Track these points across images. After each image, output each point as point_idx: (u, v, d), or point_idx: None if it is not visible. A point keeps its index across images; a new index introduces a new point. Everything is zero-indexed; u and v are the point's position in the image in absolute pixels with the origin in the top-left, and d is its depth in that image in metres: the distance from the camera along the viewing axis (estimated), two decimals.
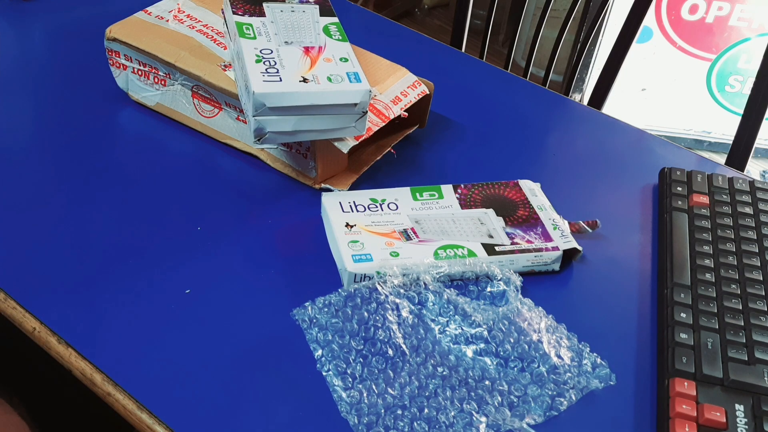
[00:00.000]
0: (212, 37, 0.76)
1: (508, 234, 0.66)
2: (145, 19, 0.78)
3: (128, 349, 0.56)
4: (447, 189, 0.71)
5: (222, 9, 0.77)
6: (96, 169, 0.72)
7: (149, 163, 0.73)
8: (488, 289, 0.63)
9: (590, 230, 0.70)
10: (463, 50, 1.19)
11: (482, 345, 0.58)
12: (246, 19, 0.71)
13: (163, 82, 0.76)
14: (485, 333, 0.59)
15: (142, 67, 0.77)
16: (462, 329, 0.59)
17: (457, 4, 1.22)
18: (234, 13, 0.71)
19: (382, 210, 0.67)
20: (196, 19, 0.79)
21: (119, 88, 0.80)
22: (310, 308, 0.59)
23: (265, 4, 0.73)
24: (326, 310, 0.59)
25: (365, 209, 0.67)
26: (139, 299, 0.59)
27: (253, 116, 0.64)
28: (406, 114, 0.75)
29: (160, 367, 0.55)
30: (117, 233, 0.65)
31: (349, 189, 0.71)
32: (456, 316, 0.60)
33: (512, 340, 0.58)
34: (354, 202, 0.68)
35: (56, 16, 0.94)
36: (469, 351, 0.58)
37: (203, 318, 0.59)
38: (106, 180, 0.71)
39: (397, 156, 0.77)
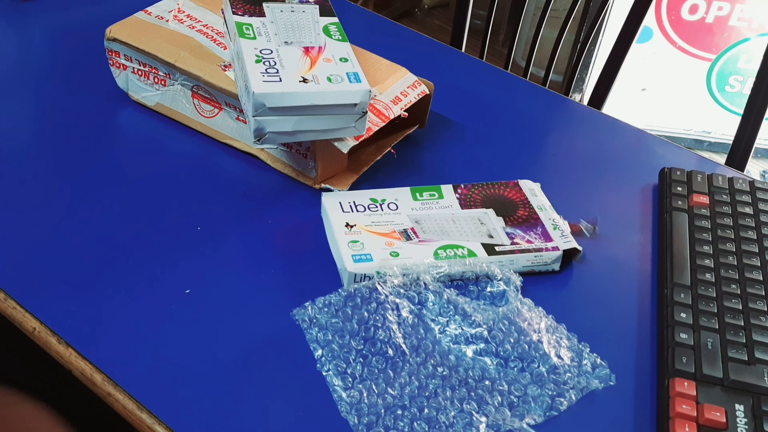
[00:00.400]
0: (212, 37, 0.76)
1: (508, 234, 0.66)
2: (145, 19, 0.78)
3: (128, 349, 0.56)
4: (447, 189, 0.71)
5: (222, 9, 0.77)
6: (96, 168, 0.72)
7: (149, 162, 0.73)
8: (488, 289, 0.63)
9: (588, 234, 0.70)
10: (463, 50, 1.19)
11: (482, 345, 0.58)
12: (246, 19, 0.71)
13: (163, 82, 0.76)
14: (485, 333, 0.59)
15: (142, 67, 0.77)
16: (462, 329, 0.59)
17: (457, 4, 1.22)
18: (234, 13, 0.71)
19: (382, 210, 0.67)
20: (196, 19, 0.79)
21: (119, 88, 0.80)
22: (310, 308, 0.59)
23: (264, 4, 0.73)
24: (326, 310, 0.59)
25: (365, 209, 0.67)
26: (139, 299, 0.59)
27: (253, 116, 0.64)
28: (406, 114, 0.75)
29: (161, 367, 0.55)
30: (117, 233, 0.65)
31: (349, 189, 0.71)
32: (456, 316, 0.60)
33: (512, 340, 0.58)
34: (354, 202, 0.68)
35: (56, 16, 0.94)
36: (469, 351, 0.58)
37: (203, 318, 0.59)
38: (106, 180, 0.71)
39: (397, 156, 0.77)
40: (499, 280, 0.63)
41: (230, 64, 0.73)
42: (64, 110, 0.79)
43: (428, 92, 0.78)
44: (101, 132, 0.77)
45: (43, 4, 0.95)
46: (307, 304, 0.59)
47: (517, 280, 0.63)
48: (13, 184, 0.69)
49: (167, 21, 0.78)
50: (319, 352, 0.56)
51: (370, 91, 0.66)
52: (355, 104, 0.66)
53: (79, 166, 0.72)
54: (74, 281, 0.60)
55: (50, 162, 0.73)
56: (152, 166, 0.73)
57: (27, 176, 0.70)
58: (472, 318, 0.60)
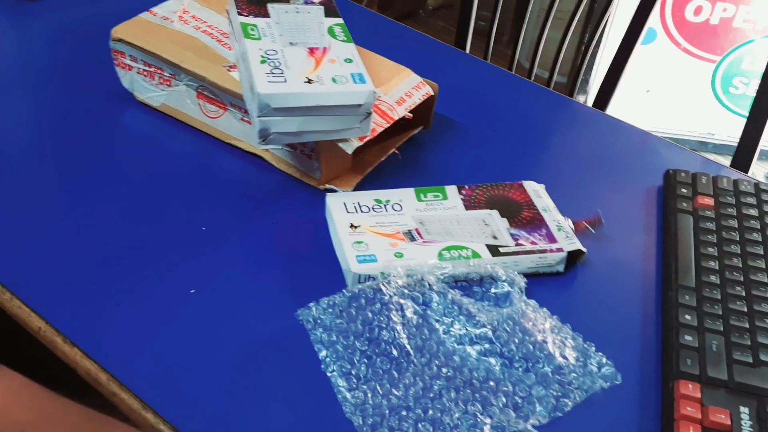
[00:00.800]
0: (217, 37, 0.77)
1: (512, 235, 0.66)
2: (150, 19, 0.78)
3: (133, 349, 0.56)
4: (451, 190, 0.71)
5: (227, 10, 0.77)
6: (101, 168, 0.72)
7: (154, 163, 0.74)
8: (492, 290, 0.63)
9: (593, 230, 0.70)
10: (467, 51, 1.19)
11: (487, 345, 0.58)
12: (251, 19, 0.71)
13: (168, 83, 0.76)
14: (490, 333, 0.59)
15: (147, 68, 0.77)
16: (466, 329, 0.59)
17: (461, 5, 1.22)
18: (239, 14, 0.71)
19: (387, 211, 0.67)
20: (201, 19, 0.79)
21: (124, 88, 0.80)
22: (314, 309, 0.59)
23: (269, 5, 0.73)
24: (330, 310, 0.59)
25: (369, 210, 0.67)
26: (144, 299, 0.59)
27: (258, 117, 0.64)
28: (411, 115, 0.75)
29: (165, 367, 0.55)
30: (122, 233, 0.65)
31: (354, 190, 0.71)
32: (460, 317, 0.60)
33: (517, 340, 0.58)
34: (358, 202, 0.68)
35: (60, 16, 0.94)
36: (474, 351, 0.58)
37: (208, 318, 0.59)
38: (110, 180, 0.71)
39: (401, 157, 0.77)
40: (504, 281, 0.63)
41: (235, 65, 0.73)
42: (68, 110, 0.79)
43: (432, 93, 0.78)
44: (106, 132, 0.77)
45: (47, 4, 0.95)
46: (311, 304, 0.59)
47: (522, 282, 0.63)
48: (18, 184, 0.69)
49: (172, 22, 0.78)
50: (324, 352, 0.56)
51: (374, 92, 0.66)
52: (360, 105, 0.66)
53: (84, 166, 0.72)
54: (79, 281, 0.60)
55: (55, 162, 0.73)
56: (157, 167, 0.73)
57: (32, 176, 0.70)
58: (477, 318, 0.59)
